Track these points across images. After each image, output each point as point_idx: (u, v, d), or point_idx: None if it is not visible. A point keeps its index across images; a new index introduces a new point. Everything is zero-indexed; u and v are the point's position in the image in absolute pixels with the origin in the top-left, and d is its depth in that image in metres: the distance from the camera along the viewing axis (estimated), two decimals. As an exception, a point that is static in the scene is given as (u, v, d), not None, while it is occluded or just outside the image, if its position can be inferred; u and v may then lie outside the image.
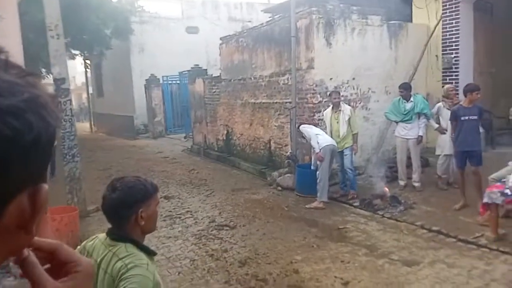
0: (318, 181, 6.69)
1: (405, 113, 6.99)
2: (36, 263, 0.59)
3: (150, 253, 1.76)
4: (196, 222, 6.46)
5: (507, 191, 4.87)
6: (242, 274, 4.59)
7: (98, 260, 1.72)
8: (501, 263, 4.42)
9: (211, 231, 6.01)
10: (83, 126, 24.29)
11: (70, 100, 6.54)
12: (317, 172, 6.74)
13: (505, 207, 5.18)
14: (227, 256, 5.11)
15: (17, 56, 5.88)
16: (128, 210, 1.74)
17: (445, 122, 6.79)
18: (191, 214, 6.84)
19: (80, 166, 6.92)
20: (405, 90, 7.07)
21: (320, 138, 6.70)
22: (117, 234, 1.75)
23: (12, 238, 0.51)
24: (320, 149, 6.60)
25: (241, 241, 5.54)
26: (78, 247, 1.88)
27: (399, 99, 7.13)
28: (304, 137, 7.10)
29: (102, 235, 1.83)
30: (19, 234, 0.52)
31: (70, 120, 6.47)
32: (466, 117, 5.84)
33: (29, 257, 0.59)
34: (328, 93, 7.49)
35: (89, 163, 11.35)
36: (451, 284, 4.06)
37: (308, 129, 7.00)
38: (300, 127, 7.23)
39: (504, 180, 5.18)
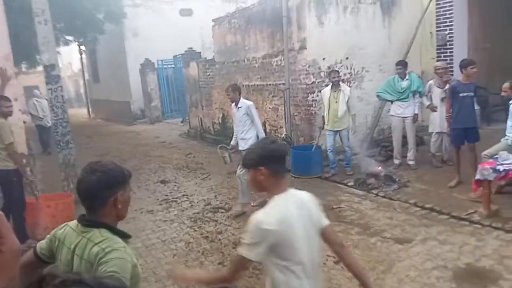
0: None
1: (401, 91, 6.95)
2: None
3: (125, 236, 1.77)
4: (192, 205, 6.50)
5: (499, 167, 4.88)
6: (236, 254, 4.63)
7: (72, 247, 1.71)
8: (492, 239, 4.45)
9: (207, 213, 6.05)
10: (81, 113, 24.23)
11: (61, 86, 6.50)
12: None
13: (497, 183, 5.20)
14: (221, 237, 5.16)
15: (2, 40, 5.80)
16: (108, 191, 1.72)
17: (436, 100, 6.76)
18: (187, 198, 6.88)
19: (75, 152, 6.93)
20: (403, 67, 7.01)
21: None
22: (89, 220, 1.75)
23: None
24: None
25: (235, 223, 5.58)
26: (48, 235, 1.87)
27: (394, 77, 7.08)
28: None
29: (73, 223, 1.82)
30: None
31: (62, 106, 6.44)
32: (465, 94, 5.80)
33: None
34: (326, 72, 7.45)
35: (86, 149, 11.36)
36: (442, 260, 4.10)
37: None
38: None
39: (496, 156, 5.20)
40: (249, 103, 6.04)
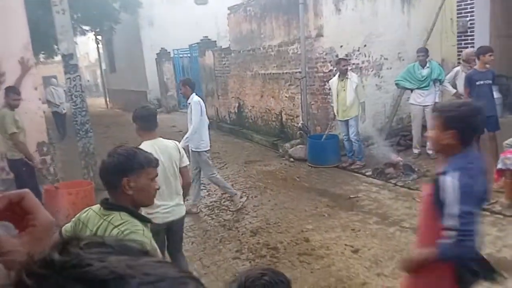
0: None
1: (422, 79, 6.82)
2: None
3: (144, 220, 1.80)
4: (209, 194, 6.54)
5: (522, 156, 4.77)
6: (254, 243, 4.66)
7: (94, 229, 1.76)
8: (514, 229, 4.38)
9: (224, 202, 6.08)
10: (98, 102, 24.48)
11: (79, 76, 6.57)
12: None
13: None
14: (239, 226, 5.19)
15: (22, 30, 5.89)
16: (112, 177, 1.80)
17: (462, 87, 6.62)
18: (204, 186, 6.89)
19: (94, 141, 7.01)
20: (425, 54, 6.87)
21: None
22: (110, 204, 1.80)
23: None
24: None
25: (253, 212, 5.60)
26: (73, 219, 1.92)
27: (414, 65, 6.94)
28: None
29: (96, 206, 1.88)
30: None
31: (80, 96, 6.51)
32: (482, 82, 5.67)
33: None
34: (334, 61, 7.35)
35: (105, 138, 11.50)
36: (462, 250, 4.04)
37: None
38: None
39: (519, 145, 5.08)
40: (196, 99, 5.47)
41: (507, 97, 7.72)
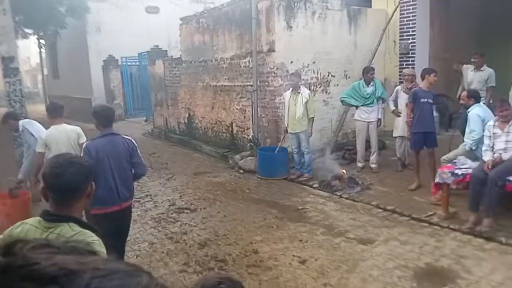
0: None
1: (367, 97, 7.12)
2: None
3: (93, 230, 1.71)
4: (156, 205, 6.38)
5: (457, 171, 5.10)
6: (202, 255, 4.59)
7: None
8: (451, 240, 4.64)
9: (171, 214, 5.95)
10: (39, 109, 23.24)
11: (20, 80, 6.24)
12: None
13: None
14: (186, 238, 5.09)
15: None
16: (86, 183, 1.75)
17: (402, 105, 6.99)
18: (150, 198, 6.75)
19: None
20: (373, 73, 7.22)
21: None
22: (57, 215, 1.69)
23: None
24: None
25: (201, 224, 5.53)
26: (0, 236, 1.77)
27: (359, 83, 7.24)
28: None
29: (31, 220, 1.74)
30: None
31: (20, 101, 6.17)
32: (425, 100, 6.03)
33: None
34: (287, 76, 7.51)
35: (44, 147, 10.91)
36: (404, 260, 4.23)
37: None
38: None
39: (455, 161, 5.43)
40: (22, 122, 5.54)
41: (443, 116, 8.26)
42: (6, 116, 5.22)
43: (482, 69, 7.08)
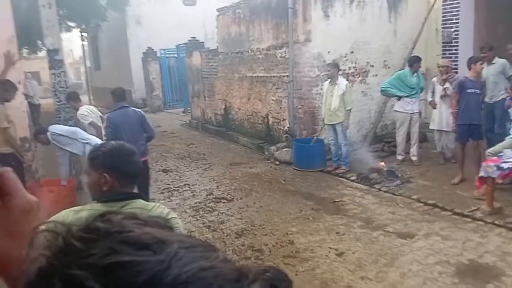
0: None
1: (413, 87, 6.91)
2: None
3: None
4: (193, 195, 6.50)
5: (503, 165, 4.88)
6: (238, 244, 4.64)
7: None
8: (495, 236, 4.46)
9: (209, 203, 6.05)
10: (82, 100, 24.09)
11: (64, 71, 6.47)
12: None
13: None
14: (223, 227, 5.16)
15: (7, 22, 5.75)
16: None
17: (437, 97, 6.74)
18: (188, 187, 6.87)
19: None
20: (419, 63, 7.01)
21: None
22: (127, 193, 1.86)
23: None
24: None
25: (237, 213, 5.58)
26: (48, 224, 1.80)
27: (405, 72, 7.01)
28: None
29: (88, 206, 1.80)
30: None
31: (64, 92, 6.40)
32: (472, 90, 5.79)
33: None
34: (323, 66, 7.39)
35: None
36: (445, 255, 4.11)
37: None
38: None
39: (501, 154, 5.19)
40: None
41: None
42: (36, 133, 5.48)
43: (493, 61, 6.59)
